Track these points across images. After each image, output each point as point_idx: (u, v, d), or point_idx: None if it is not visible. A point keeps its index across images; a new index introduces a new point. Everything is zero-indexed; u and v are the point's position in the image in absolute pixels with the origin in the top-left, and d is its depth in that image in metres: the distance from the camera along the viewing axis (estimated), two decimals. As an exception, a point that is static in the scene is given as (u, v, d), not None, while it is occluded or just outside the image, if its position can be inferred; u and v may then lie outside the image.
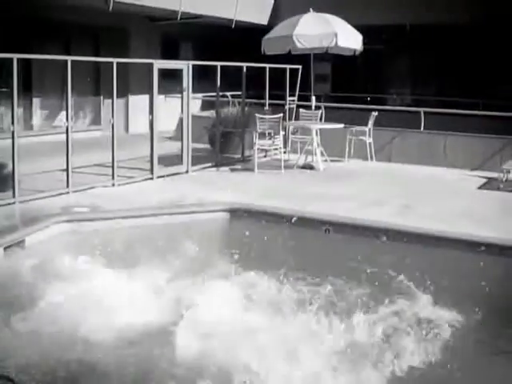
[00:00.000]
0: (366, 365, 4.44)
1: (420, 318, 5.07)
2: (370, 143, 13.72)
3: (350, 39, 13.19)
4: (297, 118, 14.76)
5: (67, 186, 9.66)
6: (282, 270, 5.12)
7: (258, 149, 12.74)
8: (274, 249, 5.15)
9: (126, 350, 4.64)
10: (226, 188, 10.53)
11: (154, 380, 4.32)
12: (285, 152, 13.56)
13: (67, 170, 9.69)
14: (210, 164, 12.76)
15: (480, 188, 11.29)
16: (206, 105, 18.72)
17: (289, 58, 13.97)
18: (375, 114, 13.83)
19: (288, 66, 14.83)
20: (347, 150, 13.80)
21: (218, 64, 12.88)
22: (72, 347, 4.70)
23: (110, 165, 10.54)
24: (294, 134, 14.33)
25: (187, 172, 11.99)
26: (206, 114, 16.05)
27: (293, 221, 6.00)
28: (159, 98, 11.58)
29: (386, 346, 4.68)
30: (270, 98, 14.52)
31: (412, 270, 5.85)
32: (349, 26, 13.36)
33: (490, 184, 11.53)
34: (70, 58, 9.74)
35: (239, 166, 13.02)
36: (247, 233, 5.60)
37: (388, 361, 4.52)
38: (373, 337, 4.74)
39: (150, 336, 4.75)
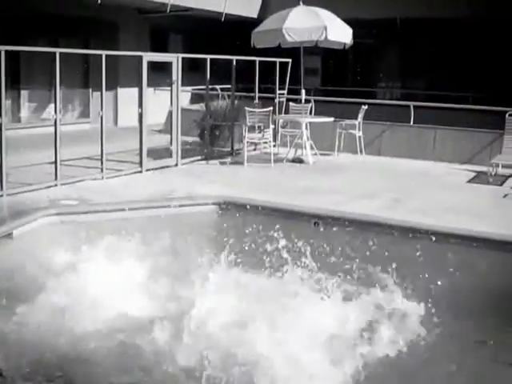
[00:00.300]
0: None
1: (395, 310, 5.06)
2: (359, 137, 13.72)
3: (339, 33, 13.16)
4: (286, 112, 14.76)
5: (55, 179, 9.62)
6: (268, 263, 5.11)
7: (247, 142, 12.74)
8: (261, 241, 5.12)
9: (108, 340, 4.65)
10: (216, 181, 10.52)
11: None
12: (274, 145, 13.56)
13: (55, 162, 9.64)
14: (199, 157, 12.74)
15: (469, 182, 11.33)
16: (195, 98, 18.68)
17: (278, 51, 13.94)
18: (365, 107, 13.83)
19: (278, 60, 14.80)
20: (337, 143, 13.80)
21: (208, 57, 12.84)
22: (59, 338, 4.70)
23: (99, 158, 10.50)
24: (283, 127, 14.32)
25: (177, 165, 11.96)
26: (195, 107, 15.99)
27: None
28: (148, 91, 11.54)
29: (363, 336, 4.69)
30: (259, 92, 14.50)
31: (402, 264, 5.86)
32: (338, 20, 13.33)
33: (479, 178, 11.57)
34: (58, 51, 9.67)
35: (229, 160, 13.00)
36: (235, 226, 5.59)
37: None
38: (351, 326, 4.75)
39: (136, 330, 4.76)
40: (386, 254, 5.93)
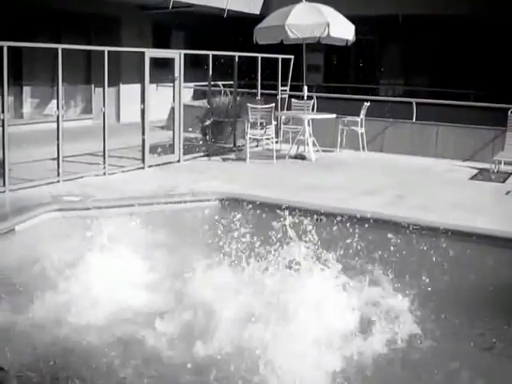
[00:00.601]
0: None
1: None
2: (362, 133, 13.71)
3: (342, 29, 13.13)
4: (289, 108, 14.76)
5: (58, 175, 9.63)
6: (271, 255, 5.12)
7: (249, 138, 12.73)
8: (264, 238, 5.14)
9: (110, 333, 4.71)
10: (218, 177, 10.52)
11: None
12: (277, 142, 13.54)
13: (58, 158, 9.65)
14: (201, 153, 12.73)
15: (472, 179, 11.32)
16: (197, 94, 18.67)
17: (281, 47, 13.93)
18: (367, 104, 13.82)
19: (280, 56, 14.79)
20: (339, 140, 13.79)
21: (210, 53, 12.84)
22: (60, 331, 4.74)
23: (102, 154, 10.50)
24: (285, 124, 14.31)
25: (179, 161, 11.97)
26: (197, 103, 15.99)
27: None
28: (151, 87, 11.53)
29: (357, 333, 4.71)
30: (262, 88, 14.49)
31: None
32: (341, 16, 13.30)
33: (481, 175, 11.57)
34: (60, 46, 9.68)
35: (231, 156, 13.00)
36: (238, 222, 5.59)
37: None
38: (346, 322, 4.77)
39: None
40: (388, 250, 5.95)
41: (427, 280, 5.46)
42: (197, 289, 4.99)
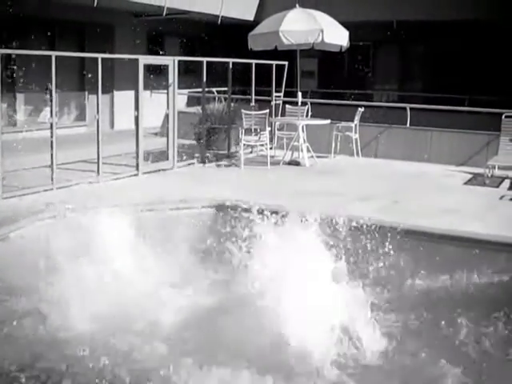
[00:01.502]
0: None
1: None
2: (356, 139, 13.73)
3: (336, 35, 13.13)
4: (283, 114, 14.76)
5: (52, 183, 9.60)
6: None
7: (244, 145, 12.73)
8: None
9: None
10: (212, 184, 10.50)
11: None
12: (271, 148, 13.55)
13: (52, 166, 9.63)
14: (195, 160, 12.72)
15: (466, 184, 11.33)
16: (192, 101, 18.67)
17: (275, 54, 13.93)
18: (361, 109, 13.83)
19: (274, 62, 14.80)
20: (333, 146, 13.80)
21: (204, 60, 12.83)
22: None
23: (95, 161, 10.48)
24: (280, 130, 14.31)
25: (173, 168, 11.95)
26: (191, 109, 15.98)
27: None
28: (145, 94, 11.52)
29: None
30: (256, 94, 14.49)
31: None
32: (335, 22, 13.31)
33: (475, 180, 11.57)
34: (54, 54, 9.67)
35: (225, 162, 12.98)
36: (231, 229, 5.59)
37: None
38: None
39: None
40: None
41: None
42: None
